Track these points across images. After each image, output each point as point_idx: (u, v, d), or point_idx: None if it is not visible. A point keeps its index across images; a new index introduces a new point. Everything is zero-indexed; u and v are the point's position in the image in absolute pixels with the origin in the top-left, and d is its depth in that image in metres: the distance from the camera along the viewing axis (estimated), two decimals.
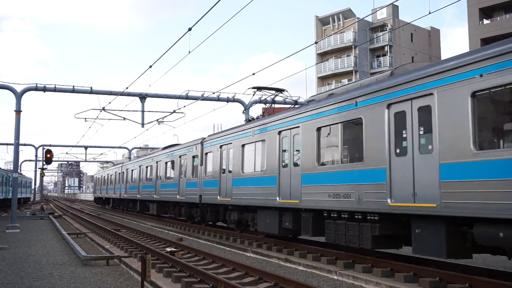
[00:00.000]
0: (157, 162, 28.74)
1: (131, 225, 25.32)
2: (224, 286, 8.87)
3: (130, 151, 62.70)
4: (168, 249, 14.40)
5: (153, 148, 61.22)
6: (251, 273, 10.37)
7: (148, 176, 31.30)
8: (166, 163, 26.82)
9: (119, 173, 41.98)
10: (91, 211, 45.14)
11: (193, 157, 21.92)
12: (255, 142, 16.17)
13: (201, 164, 20.73)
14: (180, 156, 24.00)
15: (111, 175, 47.04)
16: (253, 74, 20.14)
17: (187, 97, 26.99)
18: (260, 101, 28.73)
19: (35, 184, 76.01)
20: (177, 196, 23.68)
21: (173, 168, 25.34)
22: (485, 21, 44.22)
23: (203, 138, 21.30)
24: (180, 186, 23.44)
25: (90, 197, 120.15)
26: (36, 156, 59.37)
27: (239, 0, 16.39)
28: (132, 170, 36.58)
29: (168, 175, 26.35)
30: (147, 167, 31.56)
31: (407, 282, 9.34)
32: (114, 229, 22.30)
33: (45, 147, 49.07)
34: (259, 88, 19.42)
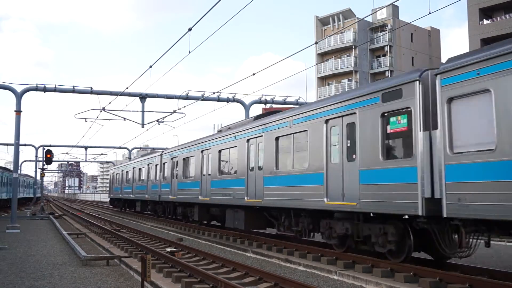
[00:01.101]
0: (248, 141, 16.91)
1: (131, 225, 25.33)
2: (224, 286, 8.87)
3: (130, 151, 62.77)
4: (168, 249, 14.40)
5: (153, 149, 60.82)
6: (251, 273, 10.37)
7: (226, 167, 19.11)
8: (276, 139, 14.91)
9: (157, 166, 29.32)
10: (92, 211, 45.13)
11: (395, 115, 10.28)
12: None
13: (432, 128, 9.44)
14: (327, 121, 12.48)
15: (139, 169, 34.66)
16: (253, 74, 20.23)
17: (187, 97, 27.06)
18: (260, 101, 28.80)
19: (35, 185, 76.11)
20: (324, 199, 12.28)
21: (297, 148, 14.03)
22: (485, 21, 44.25)
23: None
24: (346, 179, 11.61)
25: (90, 197, 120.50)
26: (36, 156, 59.38)
27: (239, 0, 16.39)
28: (185, 160, 23.98)
29: (285, 160, 14.76)
30: (221, 151, 19.39)
31: (407, 282, 9.35)
32: (114, 229, 22.31)
33: (45, 147, 49.10)
34: None
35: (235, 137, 18.05)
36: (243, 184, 17.01)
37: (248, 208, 16.98)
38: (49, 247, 16.94)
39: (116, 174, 45.59)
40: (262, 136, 16.00)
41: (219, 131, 21.54)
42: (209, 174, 20.40)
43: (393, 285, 9.20)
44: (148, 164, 31.87)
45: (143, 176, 33.16)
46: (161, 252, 13.29)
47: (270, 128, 15.53)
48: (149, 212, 33.87)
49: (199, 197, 21.15)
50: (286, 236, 15.50)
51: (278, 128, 14.95)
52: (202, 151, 21.33)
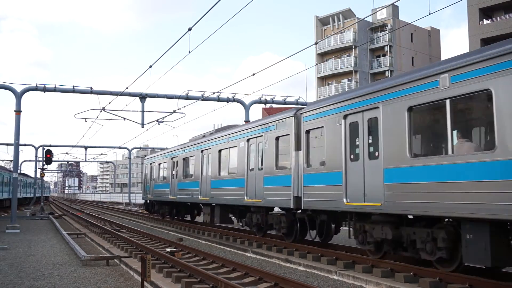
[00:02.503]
0: None
1: (131, 225, 25.31)
2: (224, 286, 8.87)
3: (130, 151, 62.77)
4: (168, 249, 14.40)
5: (153, 148, 60.65)
6: (251, 273, 10.37)
7: None
8: None
9: (279, 139, 14.85)
10: (92, 211, 45.02)
11: None
12: None
13: None
14: None
15: (219, 152, 19.64)
16: (253, 74, 20.23)
17: (187, 97, 27.06)
18: (260, 101, 28.80)
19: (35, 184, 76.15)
20: None
21: None
22: (485, 21, 44.24)
23: None
24: None
25: (90, 197, 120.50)
26: (36, 156, 59.34)
27: (239, 0, 16.38)
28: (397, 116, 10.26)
29: None
30: None
31: (407, 282, 9.34)
32: (114, 229, 22.30)
33: (45, 147, 49.07)
34: None
35: None
36: None
37: None
38: (49, 247, 16.94)
39: (160, 164, 29.22)
40: None
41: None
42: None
43: (393, 285, 9.20)
44: (248, 140, 16.95)
45: (233, 164, 18.38)
46: (161, 252, 13.28)
47: None
48: (245, 227, 18.45)
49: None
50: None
51: None
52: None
